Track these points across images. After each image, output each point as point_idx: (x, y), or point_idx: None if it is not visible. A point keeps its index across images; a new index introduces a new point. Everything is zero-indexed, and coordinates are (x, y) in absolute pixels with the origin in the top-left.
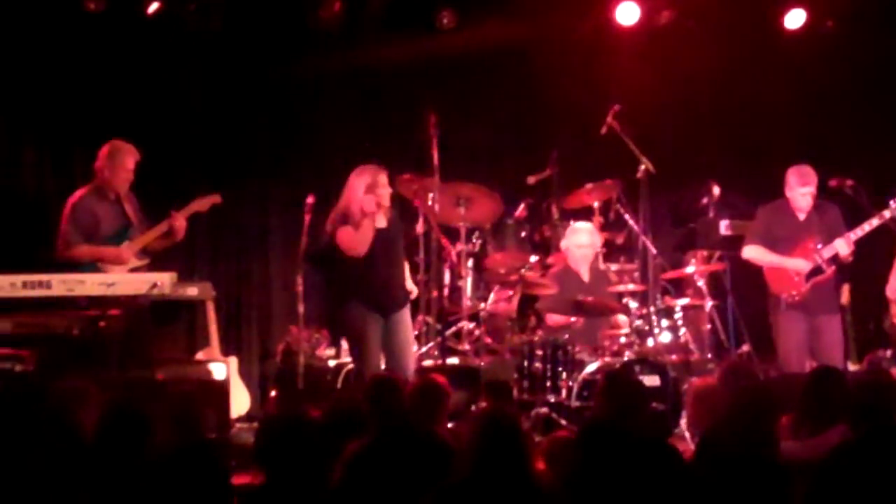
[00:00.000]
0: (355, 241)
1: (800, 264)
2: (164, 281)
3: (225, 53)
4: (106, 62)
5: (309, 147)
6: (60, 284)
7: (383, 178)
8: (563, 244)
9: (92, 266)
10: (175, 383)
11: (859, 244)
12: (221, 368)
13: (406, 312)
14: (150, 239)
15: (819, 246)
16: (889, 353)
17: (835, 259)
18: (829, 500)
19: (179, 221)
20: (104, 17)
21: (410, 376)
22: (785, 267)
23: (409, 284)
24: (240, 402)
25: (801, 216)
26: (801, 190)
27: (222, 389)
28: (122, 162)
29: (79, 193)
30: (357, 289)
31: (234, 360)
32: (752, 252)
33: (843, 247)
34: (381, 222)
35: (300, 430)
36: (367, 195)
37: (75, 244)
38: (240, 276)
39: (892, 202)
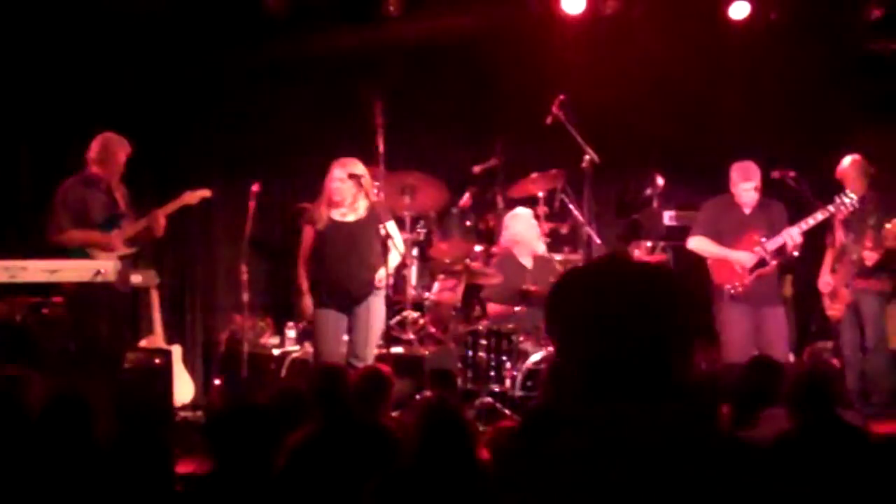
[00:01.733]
0: (309, 237)
1: (744, 257)
2: (107, 268)
3: (171, 40)
4: (50, 47)
5: (254, 134)
6: (2, 271)
7: (336, 171)
8: (505, 233)
9: (80, 251)
10: (120, 370)
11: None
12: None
13: (367, 304)
14: (131, 232)
15: (763, 239)
16: (829, 344)
17: (779, 252)
18: (772, 490)
19: (160, 219)
20: (49, 3)
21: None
22: (729, 259)
23: (380, 275)
24: (183, 390)
25: (747, 210)
26: (743, 185)
27: (167, 377)
28: (114, 153)
29: (69, 181)
30: (314, 283)
31: (177, 349)
32: (697, 243)
33: (796, 234)
34: (349, 215)
35: (245, 417)
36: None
37: (66, 229)
38: (184, 263)
39: (836, 197)
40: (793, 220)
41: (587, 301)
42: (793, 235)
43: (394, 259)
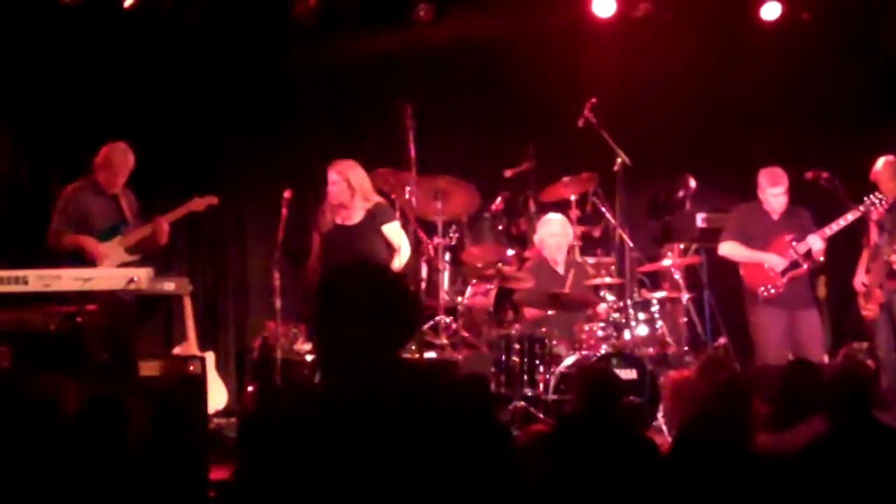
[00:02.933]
0: (317, 243)
1: (775, 259)
2: (141, 276)
3: (201, 48)
4: (81, 56)
5: (286, 141)
6: (37, 280)
7: (329, 174)
8: (537, 237)
9: (79, 258)
10: (153, 378)
11: (835, 238)
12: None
13: None
14: (133, 240)
15: (794, 242)
16: (865, 345)
17: (808, 255)
18: (808, 491)
19: (163, 226)
20: (80, 12)
21: None
22: (761, 261)
23: None
24: (217, 397)
25: (775, 216)
26: (772, 191)
27: (200, 384)
28: (114, 162)
29: (72, 186)
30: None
31: (211, 355)
32: (729, 248)
33: (816, 242)
34: (350, 218)
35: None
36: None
37: (63, 234)
38: (216, 270)
39: (865, 198)
40: (826, 221)
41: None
42: (816, 241)
43: (396, 263)
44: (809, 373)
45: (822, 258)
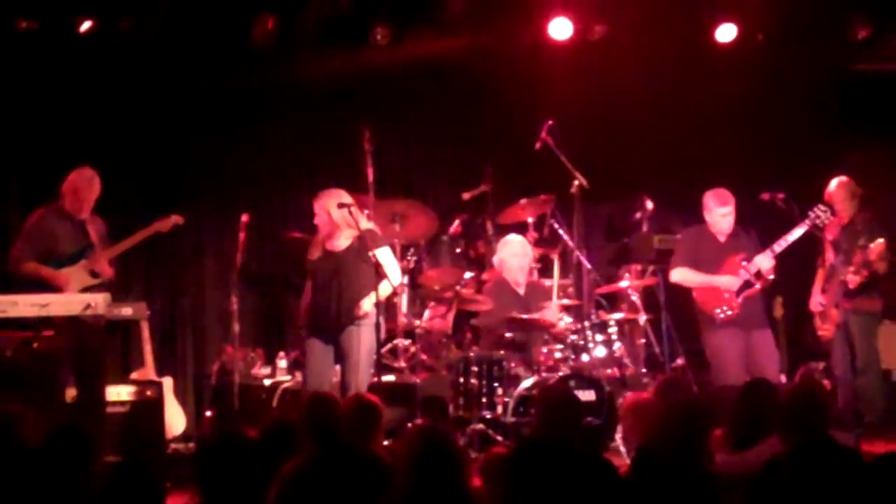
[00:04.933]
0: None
1: (729, 281)
2: (98, 301)
3: (159, 71)
4: (38, 80)
5: (243, 164)
6: None
7: (314, 206)
8: (496, 258)
9: (44, 285)
10: (111, 404)
11: (791, 258)
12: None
13: (351, 334)
14: (97, 263)
15: (744, 262)
16: (821, 365)
17: (759, 274)
18: None
19: (100, 262)
20: (37, 36)
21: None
22: (715, 285)
23: (366, 305)
24: (175, 422)
25: (722, 238)
26: (720, 210)
27: (158, 409)
28: (80, 189)
29: (39, 212)
30: (303, 313)
31: (168, 381)
32: (680, 275)
33: (765, 261)
34: (337, 245)
35: (236, 449)
36: None
37: (25, 261)
38: (174, 295)
39: (810, 212)
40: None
41: None
42: (764, 260)
43: (385, 288)
44: (767, 393)
45: (772, 276)
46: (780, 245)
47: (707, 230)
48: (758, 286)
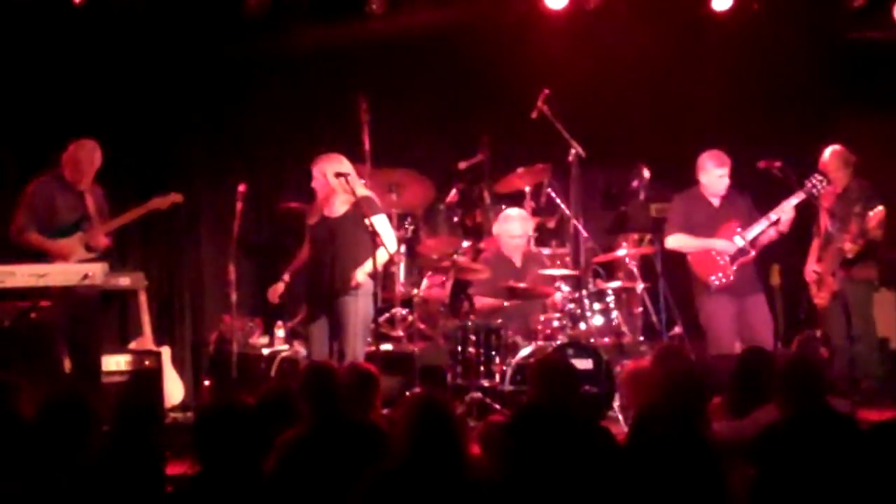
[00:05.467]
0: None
1: (724, 245)
2: (95, 271)
3: (154, 42)
4: (32, 50)
5: (240, 134)
6: None
7: (313, 170)
8: (496, 230)
9: (40, 255)
10: (110, 374)
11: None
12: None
13: (347, 302)
14: (94, 237)
15: (739, 228)
16: (818, 333)
17: (756, 240)
18: (764, 479)
19: (97, 237)
20: (31, 6)
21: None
22: (711, 249)
23: (360, 276)
24: (173, 391)
25: (716, 202)
26: (717, 171)
27: (156, 379)
28: (81, 161)
29: (38, 180)
30: (303, 279)
31: (167, 350)
32: (675, 241)
33: (788, 210)
34: (334, 211)
35: (234, 418)
36: None
37: (27, 231)
38: (171, 265)
39: (807, 181)
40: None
41: None
42: (773, 219)
43: (381, 255)
44: (764, 361)
45: (771, 234)
46: (777, 213)
47: (700, 193)
48: (752, 254)
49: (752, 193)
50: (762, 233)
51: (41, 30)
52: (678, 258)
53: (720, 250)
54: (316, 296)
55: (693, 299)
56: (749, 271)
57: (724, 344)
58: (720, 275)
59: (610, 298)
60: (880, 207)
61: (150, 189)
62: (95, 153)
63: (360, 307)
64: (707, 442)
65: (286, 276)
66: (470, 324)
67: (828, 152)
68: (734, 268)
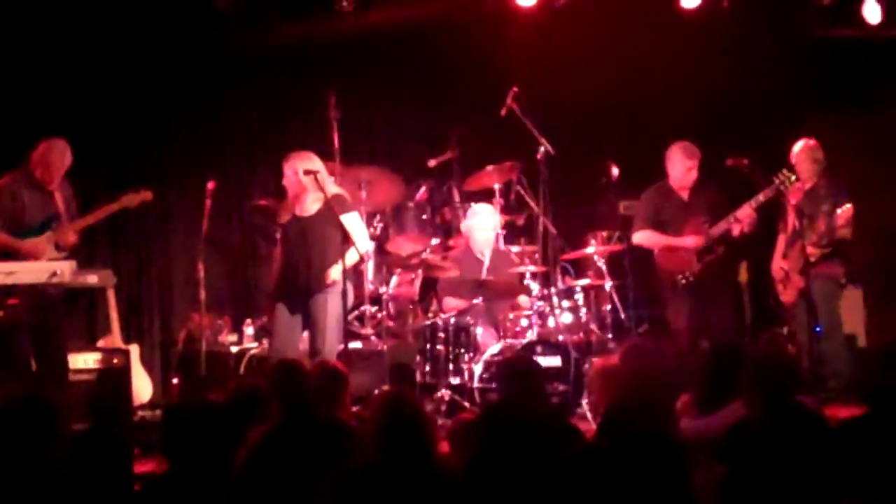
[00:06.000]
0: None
1: (691, 241)
2: (63, 269)
3: (122, 36)
4: (2, 47)
5: (209, 132)
6: None
7: (284, 167)
8: (464, 226)
9: (9, 254)
10: (78, 371)
11: (756, 222)
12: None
13: (319, 301)
14: (64, 236)
15: (706, 225)
16: (784, 330)
17: (723, 237)
18: (736, 478)
19: (66, 234)
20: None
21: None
22: (677, 246)
23: (334, 273)
24: (142, 389)
25: (685, 195)
26: (686, 163)
27: (125, 377)
28: (52, 161)
29: (5, 179)
30: (273, 279)
31: (135, 348)
32: (642, 237)
33: (746, 212)
34: (305, 210)
35: (203, 416)
36: None
37: None
38: (140, 262)
39: (774, 178)
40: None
41: None
42: (740, 217)
43: (352, 255)
44: (733, 358)
45: (736, 233)
46: (744, 210)
47: (669, 187)
48: (719, 251)
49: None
50: (728, 230)
51: (9, 26)
52: (646, 255)
53: (687, 245)
54: (288, 294)
55: (661, 296)
56: (715, 269)
57: (690, 341)
58: (686, 272)
59: (578, 296)
60: (848, 206)
61: (120, 186)
62: (66, 153)
63: (332, 305)
64: (674, 440)
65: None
66: (439, 322)
67: (798, 146)
68: (700, 265)
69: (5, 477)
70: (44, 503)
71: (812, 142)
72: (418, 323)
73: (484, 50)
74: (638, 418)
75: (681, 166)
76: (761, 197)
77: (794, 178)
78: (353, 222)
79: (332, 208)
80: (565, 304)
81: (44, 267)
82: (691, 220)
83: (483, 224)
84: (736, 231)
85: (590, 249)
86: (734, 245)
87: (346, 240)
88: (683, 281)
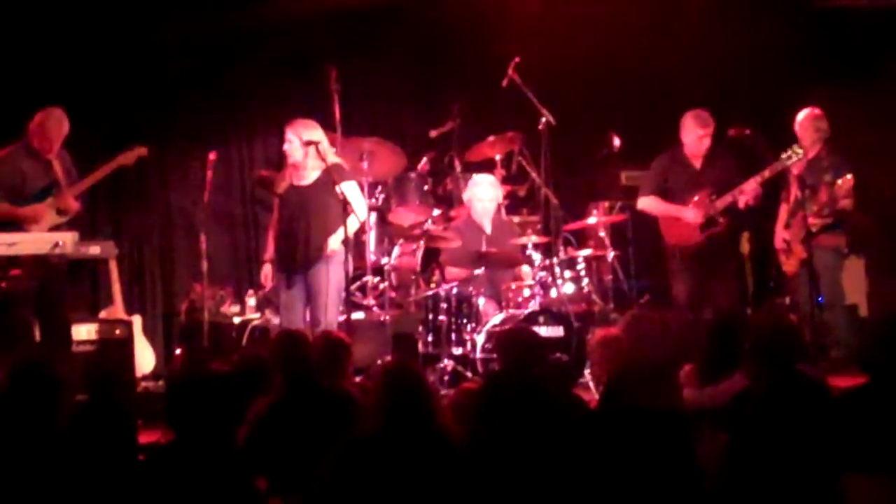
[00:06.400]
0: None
1: (691, 214)
2: (66, 240)
3: (127, 8)
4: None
5: (210, 103)
6: None
7: (286, 133)
8: (466, 196)
9: (12, 224)
10: (80, 343)
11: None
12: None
13: (320, 270)
14: (65, 202)
15: (713, 197)
16: (787, 300)
17: (728, 210)
18: (739, 448)
19: (67, 200)
20: None
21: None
22: (677, 216)
23: (333, 243)
24: (145, 360)
25: (697, 164)
26: (698, 132)
27: (127, 347)
28: (49, 130)
29: (4, 150)
30: (271, 247)
31: (137, 319)
32: (646, 203)
33: (752, 185)
34: (304, 179)
35: (207, 386)
36: None
37: None
38: (142, 234)
39: (782, 153)
40: (746, 177)
41: None
42: (746, 190)
43: (352, 223)
44: (736, 328)
45: (743, 204)
46: (750, 185)
47: (682, 154)
48: (722, 224)
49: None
50: (733, 203)
51: None
52: (649, 225)
53: (687, 217)
54: (289, 264)
55: (664, 265)
56: (718, 241)
57: (692, 310)
58: (688, 242)
59: (580, 266)
60: (849, 176)
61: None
62: (63, 122)
63: (333, 275)
64: (676, 409)
65: (268, 256)
66: (441, 292)
67: (802, 114)
68: (702, 237)
69: (10, 447)
70: (48, 472)
71: (817, 111)
72: (420, 293)
73: (486, 20)
74: (640, 388)
75: (692, 134)
76: (767, 173)
77: (801, 152)
78: (351, 190)
79: (330, 176)
80: (567, 274)
81: (46, 238)
82: (698, 191)
83: (484, 194)
84: (741, 203)
85: (592, 220)
86: (738, 216)
87: (346, 208)
88: (684, 251)
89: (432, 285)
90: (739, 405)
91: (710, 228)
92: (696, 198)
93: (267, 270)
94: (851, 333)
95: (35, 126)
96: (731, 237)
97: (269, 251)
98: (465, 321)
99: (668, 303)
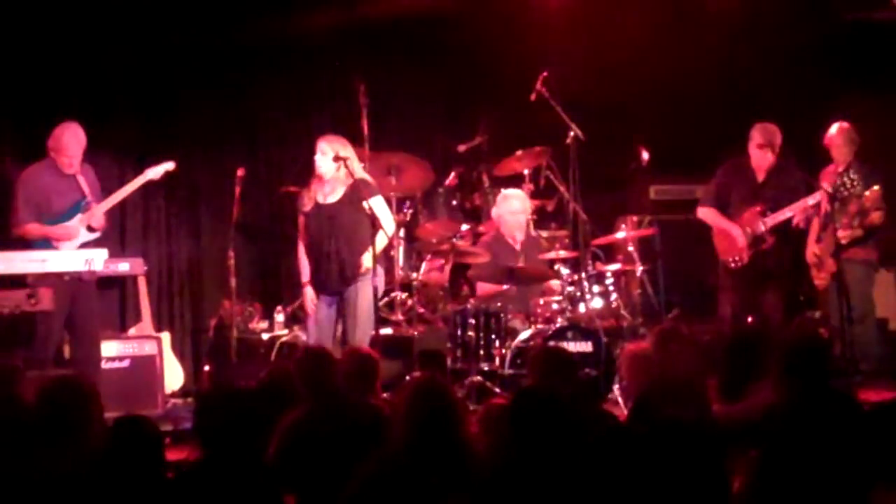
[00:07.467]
0: (302, 223)
1: (738, 232)
2: (96, 257)
3: (155, 22)
4: (32, 26)
5: (239, 118)
6: None
7: (320, 144)
8: (495, 212)
9: (44, 242)
10: (110, 359)
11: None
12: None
13: (354, 288)
14: (94, 217)
15: (767, 213)
16: (818, 314)
17: (779, 227)
18: (769, 462)
19: (95, 218)
20: None
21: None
22: (728, 231)
23: (367, 261)
24: (173, 377)
25: (760, 176)
26: (758, 142)
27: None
28: (72, 143)
29: (31, 168)
30: (302, 269)
31: (166, 335)
32: (703, 213)
33: (801, 206)
34: (330, 196)
35: (236, 403)
36: None
37: (25, 221)
38: (171, 250)
39: (837, 178)
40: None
41: None
42: (795, 210)
43: (381, 239)
44: (755, 342)
45: (801, 224)
46: (794, 208)
47: (746, 164)
48: (770, 242)
49: None
50: (784, 221)
51: (40, 7)
52: (679, 240)
53: (734, 235)
54: (324, 284)
55: (716, 275)
56: (766, 258)
57: (736, 323)
58: (736, 256)
59: (609, 281)
60: (876, 187)
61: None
62: (79, 134)
63: (365, 293)
64: (707, 424)
65: (305, 279)
66: (469, 307)
67: (834, 128)
68: (749, 253)
69: (41, 462)
70: (78, 489)
71: (846, 124)
72: (448, 309)
73: (513, 34)
74: (669, 403)
75: (753, 145)
76: (813, 199)
77: (855, 178)
78: (379, 206)
79: (357, 192)
80: (596, 289)
81: (77, 256)
82: (754, 204)
83: (514, 209)
84: (794, 221)
85: (620, 234)
86: (787, 234)
87: (374, 224)
88: (732, 264)
89: (461, 301)
90: (768, 420)
91: (757, 245)
92: (746, 214)
93: (310, 294)
94: (882, 347)
95: (53, 142)
96: (780, 253)
97: (306, 273)
98: (493, 337)
99: (698, 317)
